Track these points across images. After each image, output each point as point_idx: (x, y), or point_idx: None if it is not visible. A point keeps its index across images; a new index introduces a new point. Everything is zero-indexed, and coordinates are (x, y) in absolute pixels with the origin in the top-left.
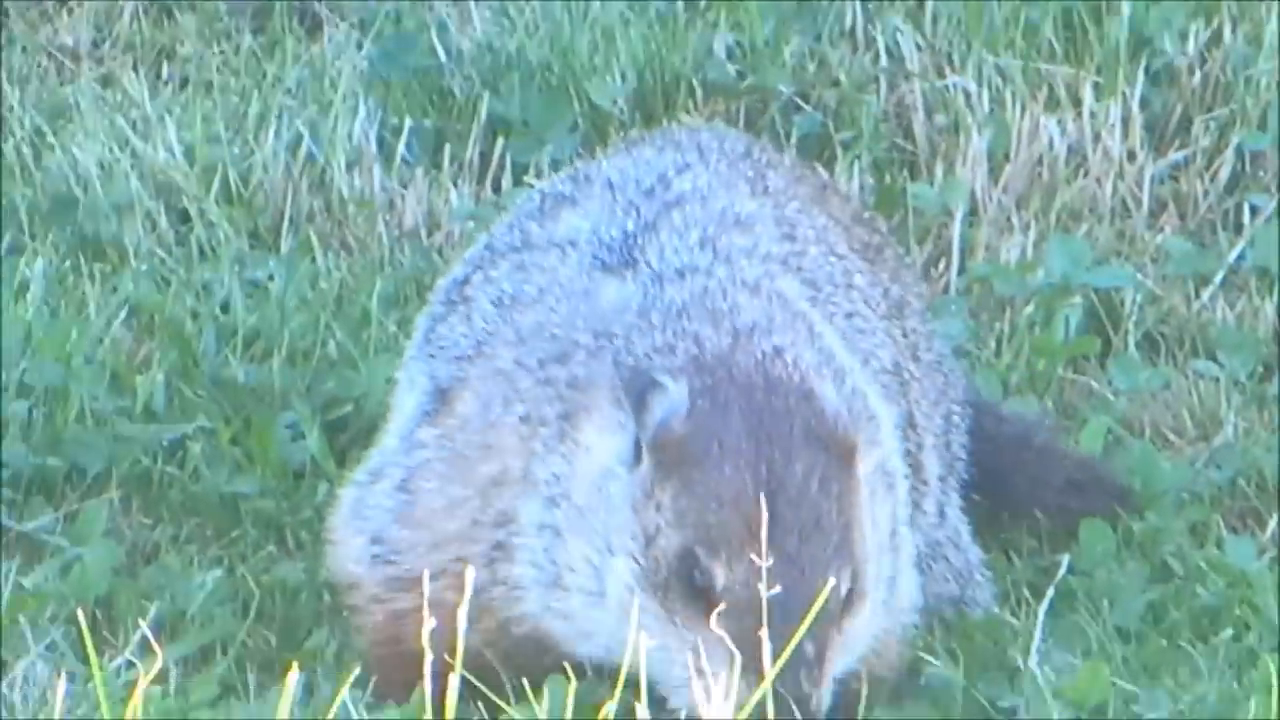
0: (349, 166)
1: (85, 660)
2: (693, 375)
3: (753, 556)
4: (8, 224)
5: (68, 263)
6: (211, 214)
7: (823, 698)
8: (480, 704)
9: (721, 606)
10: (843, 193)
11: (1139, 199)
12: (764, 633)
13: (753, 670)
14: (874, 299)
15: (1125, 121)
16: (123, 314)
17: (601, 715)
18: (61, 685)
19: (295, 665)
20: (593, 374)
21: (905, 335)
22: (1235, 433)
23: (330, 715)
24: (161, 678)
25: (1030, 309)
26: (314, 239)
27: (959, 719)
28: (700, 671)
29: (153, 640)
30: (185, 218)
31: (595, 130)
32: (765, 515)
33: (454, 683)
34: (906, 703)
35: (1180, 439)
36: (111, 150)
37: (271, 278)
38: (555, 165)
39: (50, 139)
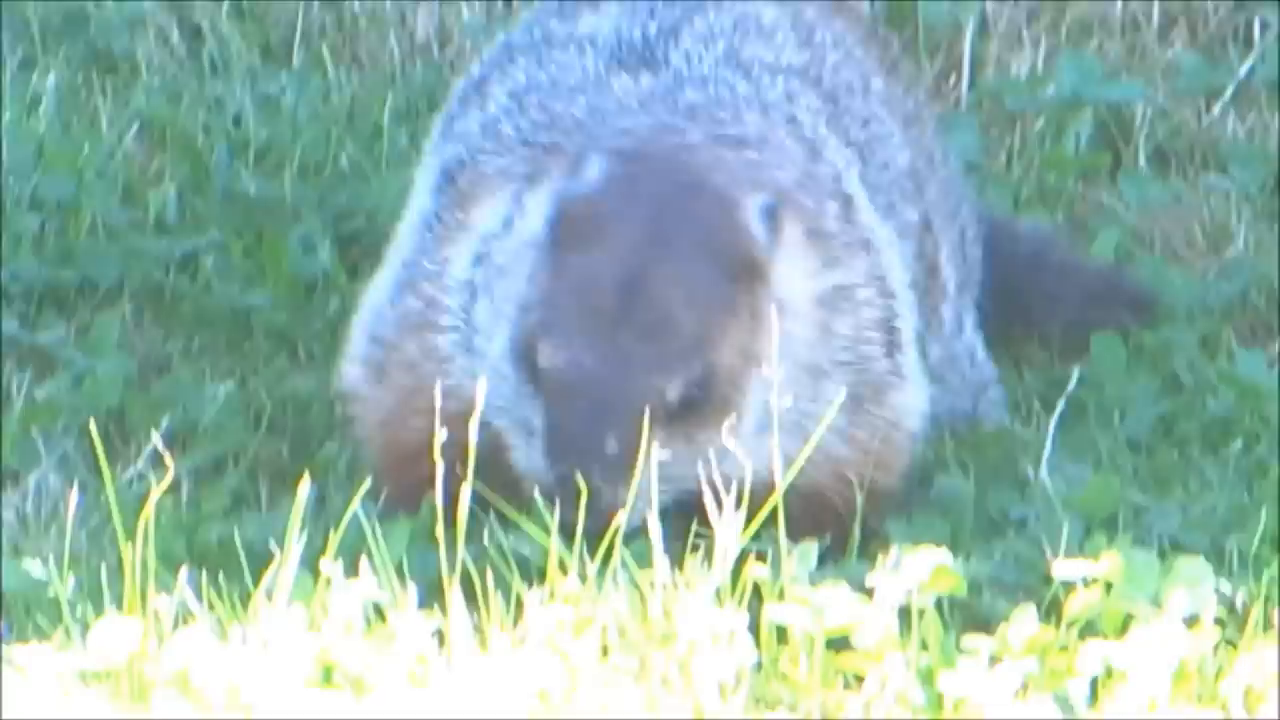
0: None
1: (97, 472)
2: (616, 162)
3: (582, 344)
4: (19, 38)
5: (79, 77)
6: (223, 28)
7: (616, 494)
8: (492, 512)
9: (543, 387)
10: (856, 11)
11: (1149, 13)
12: (577, 415)
13: (555, 454)
14: (893, 103)
15: None
16: (134, 128)
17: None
18: (73, 497)
19: (307, 476)
20: (567, 145)
21: (923, 146)
22: (1245, 246)
23: (341, 526)
24: (173, 489)
25: (1041, 123)
26: (326, 53)
27: (969, 530)
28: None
29: (164, 452)
30: (197, 32)
31: None
32: (611, 306)
33: (465, 491)
34: (916, 513)
35: (1191, 252)
36: None
37: (284, 92)
38: None
39: None
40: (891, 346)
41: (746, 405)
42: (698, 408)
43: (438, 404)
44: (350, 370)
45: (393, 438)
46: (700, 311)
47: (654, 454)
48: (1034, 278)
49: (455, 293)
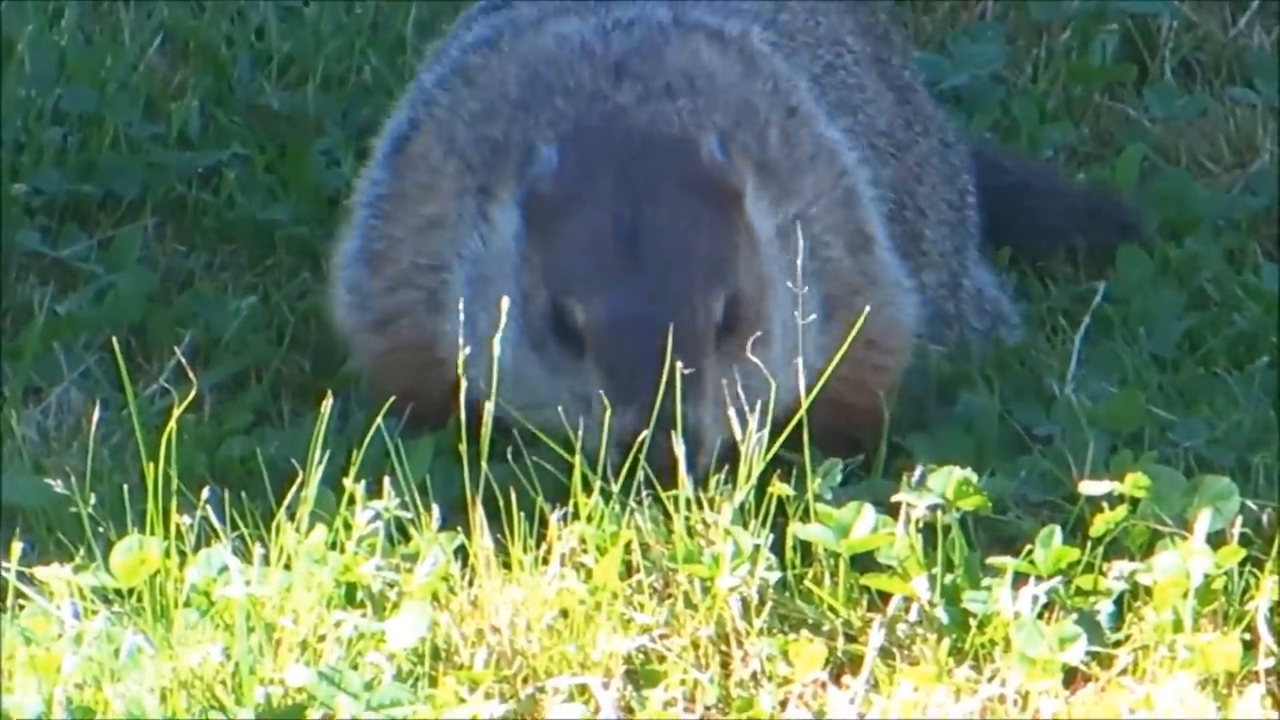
0: None
1: (119, 387)
2: (570, 137)
3: (615, 291)
4: None
5: None
6: None
7: (705, 411)
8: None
9: (589, 344)
10: None
11: None
12: (633, 356)
13: (627, 399)
14: (864, 58)
15: None
16: (157, 40)
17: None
18: (96, 412)
19: (329, 392)
20: (508, 140)
21: (915, 111)
22: (1272, 159)
23: (364, 442)
24: (196, 404)
25: (1066, 34)
26: None
27: (994, 447)
28: (587, 414)
29: (187, 367)
30: None
31: None
32: (624, 252)
33: (489, 409)
34: (941, 430)
35: (1217, 166)
36: None
37: (307, 3)
38: None
39: None
40: (855, 249)
41: (774, 326)
42: (736, 329)
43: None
44: (338, 311)
45: (387, 377)
46: (708, 238)
47: (717, 373)
48: (1020, 208)
49: (420, 274)
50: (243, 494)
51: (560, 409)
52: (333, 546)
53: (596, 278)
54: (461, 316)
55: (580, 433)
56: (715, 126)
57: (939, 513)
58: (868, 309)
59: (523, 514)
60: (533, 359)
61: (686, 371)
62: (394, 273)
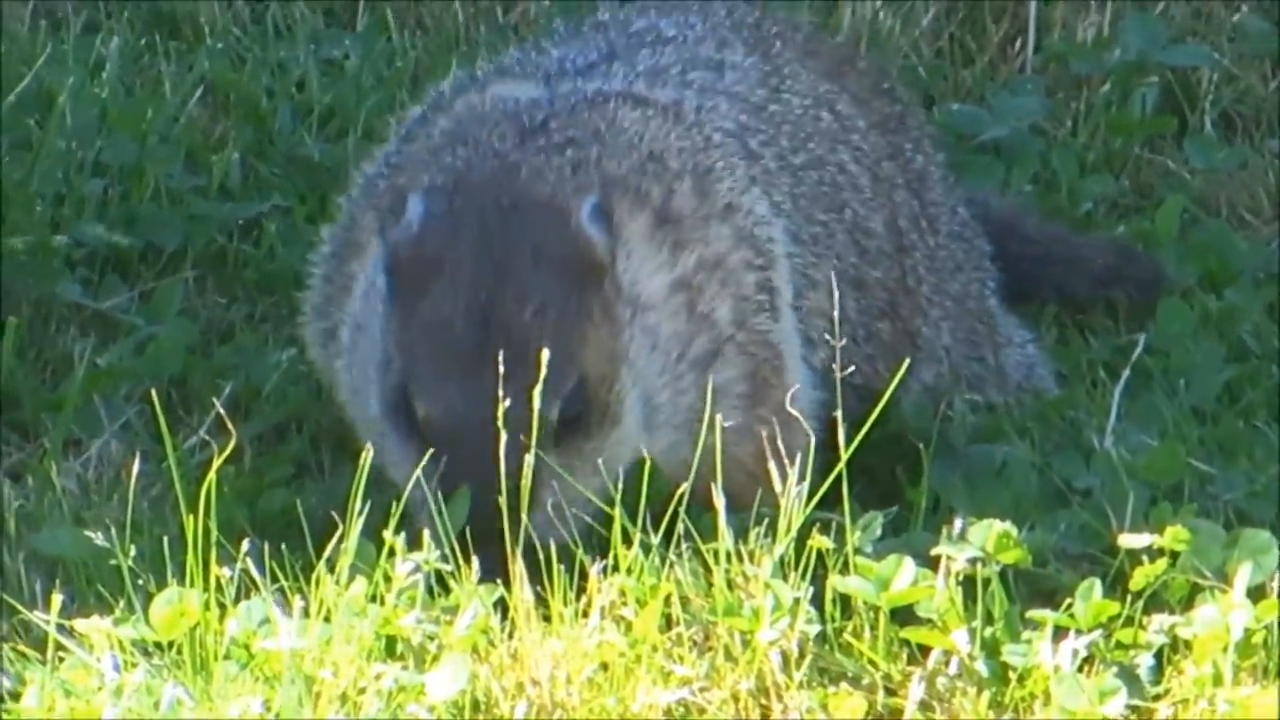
0: None
1: (159, 439)
2: (435, 195)
3: (453, 387)
4: (83, 2)
5: (143, 40)
6: None
7: (539, 510)
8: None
9: (427, 436)
10: (863, 67)
11: None
12: (464, 460)
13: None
14: (870, 156)
15: None
16: (198, 92)
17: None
18: (136, 464)
19: (369, 444)
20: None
21: (924, 207)
22: None
23: (403, 495)
24: (236, 456)
25: (1106, 87)
26: (390, 16)
27: (1034, 499)
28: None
29: (227, 419)
30: None
31: None
32: (470, 344)
33: (529, 461)
34: (980, 483)
35: (1257, 218)
36: None
37: (347, 56)
38: None
39: None
40: (775, 311)
41: (625, 407)
42: (580, 420)
43: None
44: (310, 348)
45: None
46: (556, 325)
47: (550, 474)
48: (1046, 278)
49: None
50: (283, 546)
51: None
52: (373, 599)
53: (437, 371)
54: (345, 361)
55: (424, 509)
56: (604, 180)
57: (979, 566)
58: (757, 372)
59: (562, 566)
60: (389, 423)
61: (523, 468)
62: (324, 327)
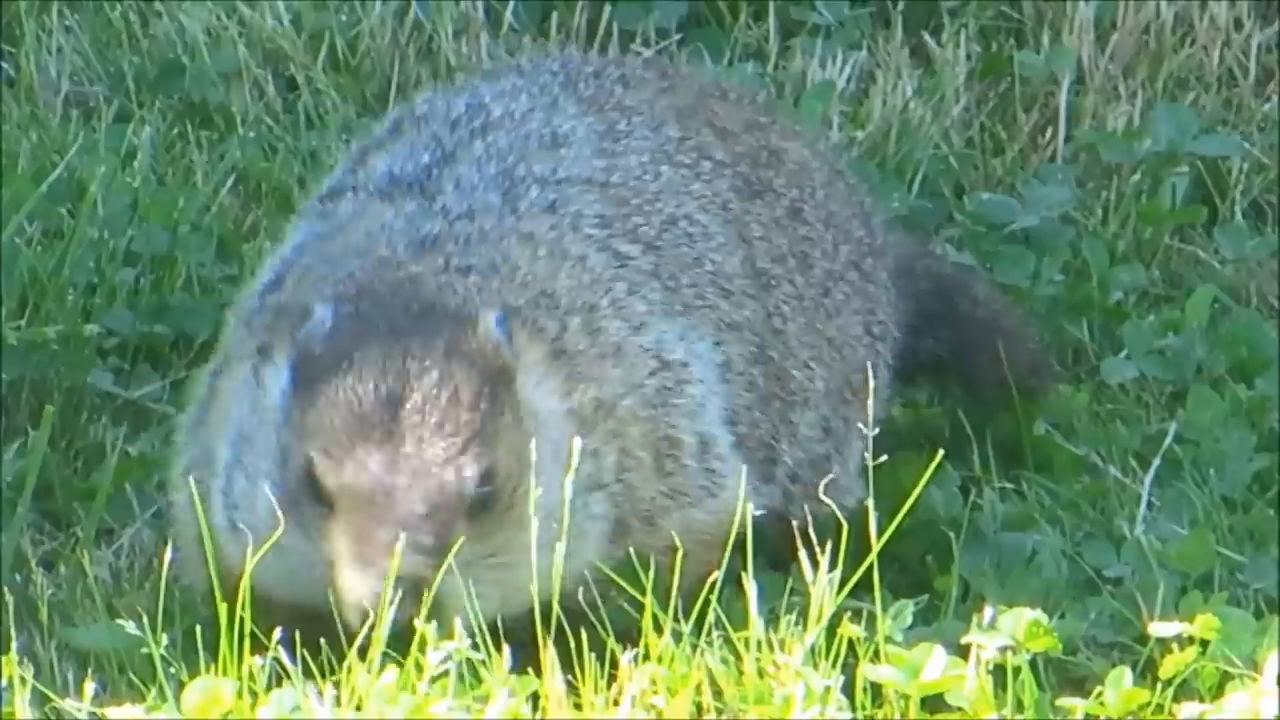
0: (456, 34)
1: None
2: (346, 300)
3: (366, 456)
4: (115, 91)
5: (175, 130)
6: (319, 81)
7: (450, 581)
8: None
9: (337, 507)
10: (734, 98)
11: (1246, 67)
12: (378, 528)
13: (367, 564)
14: (722, 198)
15: None
16: (230, 181)
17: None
18: (168, 553)
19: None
20: (292, 303)
21: (794, 243)
22: None
23: (434, 583)
24: None
25: (1137, 177)
26: None
27: (1064, 587)
28: (337, 581)
29: None
30: (292, 84)
31: None
32: (382, 418)
33: (559, 549)
34: (1011, 571)
35: None
36: (219, 17)
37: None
38: (661, 33)
39: (158, 5)
40: (665, 461)
41: (529, 511)
42: (489, 506)
43: None
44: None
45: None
46: (470, 410)
47: (458, 544)
48: (986, 342)
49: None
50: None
51: (311, 572)
52: (404, 687)
53: (352, 440)
54: (221, 481)
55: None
56: (506, 306)
57: (1009, 654)
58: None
59: (593, 654)
60: (288, 521)
61: (432, 542)
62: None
